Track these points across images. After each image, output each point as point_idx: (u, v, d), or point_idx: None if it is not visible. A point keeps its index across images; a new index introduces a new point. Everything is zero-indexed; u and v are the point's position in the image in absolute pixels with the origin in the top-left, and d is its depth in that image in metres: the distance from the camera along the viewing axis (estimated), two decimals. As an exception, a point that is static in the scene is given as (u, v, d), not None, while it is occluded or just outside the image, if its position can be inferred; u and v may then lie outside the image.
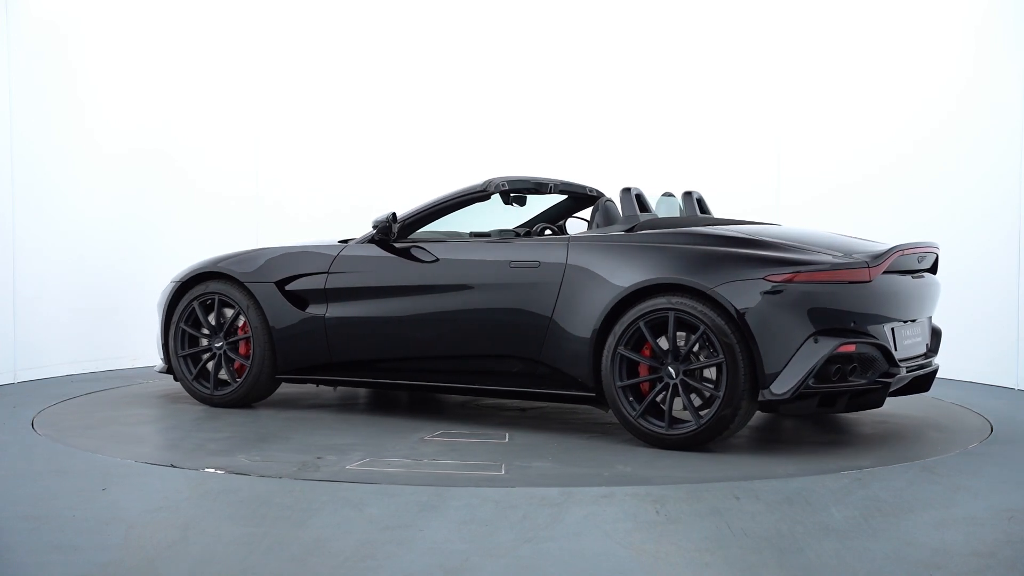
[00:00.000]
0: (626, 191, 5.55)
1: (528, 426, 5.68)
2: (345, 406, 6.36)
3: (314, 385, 6.63)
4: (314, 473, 4.57)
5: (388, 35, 9.15)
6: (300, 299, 6.07)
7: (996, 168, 7.08)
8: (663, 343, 5.03)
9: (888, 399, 5.69)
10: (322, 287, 6.00)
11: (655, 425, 5.03)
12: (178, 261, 7.92)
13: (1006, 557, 3.46)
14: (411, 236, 5.97)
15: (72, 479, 4.43)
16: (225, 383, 6.21)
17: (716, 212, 6.98)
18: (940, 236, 7.14)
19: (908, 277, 5.25)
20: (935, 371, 5.62)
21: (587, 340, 5.19)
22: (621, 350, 5.08)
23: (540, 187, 6.21)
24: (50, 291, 7.41)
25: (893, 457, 4.92)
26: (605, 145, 8.81)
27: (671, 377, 4.99)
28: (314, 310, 6.01)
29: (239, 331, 6.20)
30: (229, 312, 6.23)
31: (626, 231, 5.36)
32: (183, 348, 6.31)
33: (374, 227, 5.94)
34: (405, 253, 5.86)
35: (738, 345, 4.84)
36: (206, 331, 6.29)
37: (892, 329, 5.09)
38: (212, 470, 4.65)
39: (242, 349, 6.18)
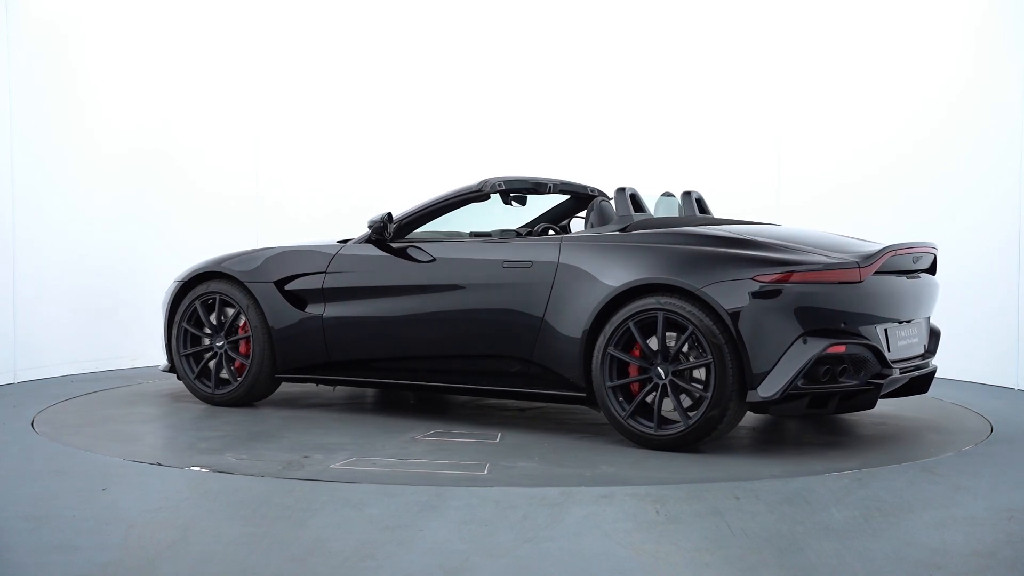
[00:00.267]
0: (620, 191, 5.54)
1: (522, 426, 5.68)
2: (345, 405, 6.36)
3: (314, 384, 6.66)
4: (297, 472, 4.58)
5: (388, 35, 9.16)
6: (299, 299, 6.09)
7: (996, 168, 7.08)
8: (653, 343, 5.02)
9: (887, 400, 5.70)
10: (320, 287, 6.03)
11: (644, 426, 5.01)
12: (178, 261, 7.94)
13: (1006, 557, 3.46)
14: (408, 236, 5.99)
15: (72, 479, 4.43)
16: (226, 382, 6.24)
17: (716, 212, 6.98)
18: (940, 236, 7.14)
19: (902, 278, 5.22)
20: (933, 372, 5.58)
21: (578, 340, 5.19)
22: (611, 350, 5.07)
23: (539, 187, 6.21)
24: (50, 291, 7.41)
25: (893, 457, 4.92)
26: (605, 145, 8.81)
27: (660, 378, 4.98)
28: (312, 310, 6.03)
29: (239, 330, 6.22)
30: (230, 312, 6.26)
31: (619, 231, 5.35)
32: (185, 347, 6.35)
33: (369, 227, 5.97)
34: (401, 253, 5.87)
35: (726, 346, 4.83)
36: (208, 330, 6.32)
37: (885, 330, 5.07)
38: (198, 468, 4.67)
39: (242, 348, 6.21)
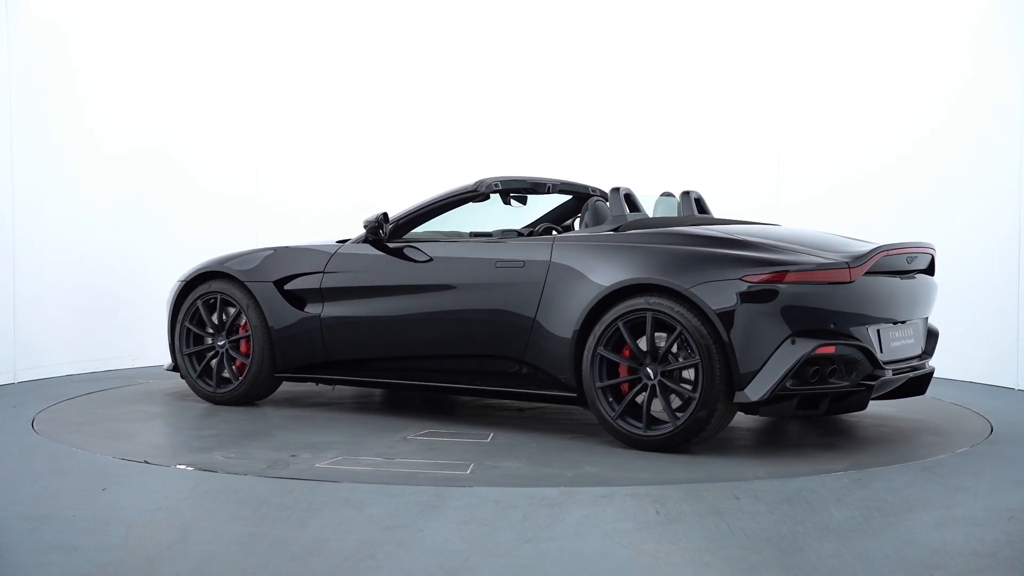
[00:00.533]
0: (615, 190, 5.53)
1: (517, 426, 5.68)
2: (344, 404, 6.36)
3: (314, 384, 6.68)
4: (282, 471, 4.59)
5: (388, 35, 9.16)
6: (298, 298, 6.12)
7: (996, 168, 7.08)
8: (643, 344, 5.01)
9: (887, 400, 5.70)
10: (318, 287, 6.06)
11: (633, 426, 5.00)
12: (178, 261, 7.94)
13: (1006, 557, 3.46)
14: (405, 236, 6.00)
15: (72, 479, 4.43)
16: (227, 381, 6.28)
17: (716, 212, 6.98)
18: (940, 236, 7.14)
19: (896, 278, 5.18)
20: (930, 374, 5.54)
21: (568, 340, 5.19)
22: (601, 351, 5.06)
23: (538, 187, 6.21)
24: (50, 291, 7.40)
25: (893, 457, 4.92)
26: (606, 145, 8.82)
27: (649, 378, 4.96)
28: (311, 309, 6.06)
29: (240, 330, 6.25)
30: (232, 311, 6.29)
31: (612, 231, 5.34)
32: (188, 346, 6.39)
33: (364, 227, 5.99)
34: (398, 253, 5.89)
35: (714, 346, 4.81)
36: (210, 330, 6.35)
37: (878, 331, 5.04)
38: (184, 466, 4.69)
39: (243, 348, 6.24)
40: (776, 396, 4.78)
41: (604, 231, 5.37)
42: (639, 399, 5.01)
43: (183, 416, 6.01)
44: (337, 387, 6.93)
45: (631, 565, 3.36)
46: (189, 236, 8.27)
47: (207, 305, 6.35)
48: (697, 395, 4.83)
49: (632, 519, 3.85)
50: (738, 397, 4.81)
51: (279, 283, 6.17)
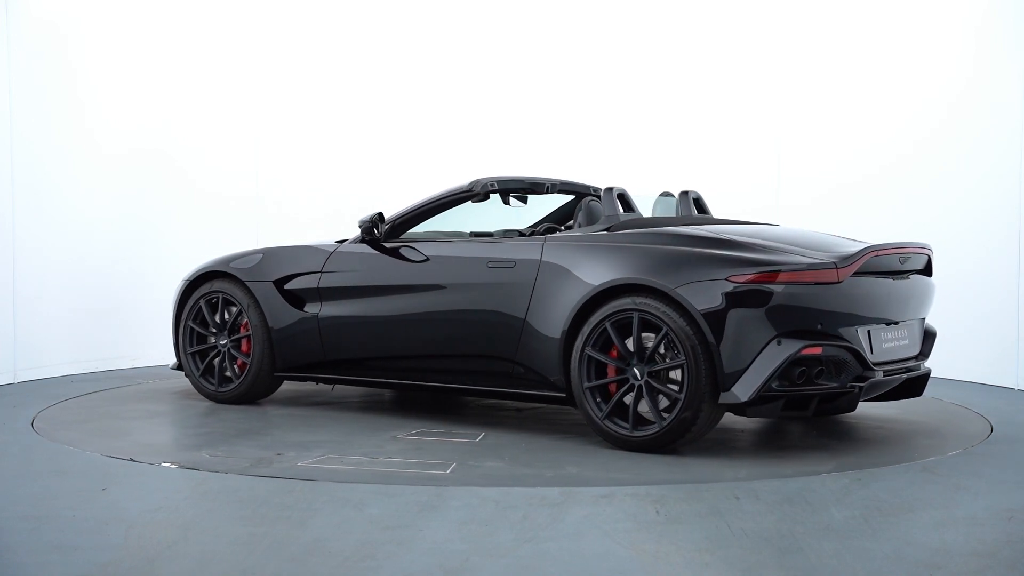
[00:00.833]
0: (608, 190, 5.51)
1: (509, 426, 5.68)
2: (344, 404, 6.36)
3: (315, 383, 6.71)
4: (264, 469, 4.61)
5: (388, 35, 9.16)
6: (297, 298, 6.15)
7: (996, 168, 7.08)
8: (631, 344, 4.99)
9: (884, 402, 5.69)
10: (316, 286, 6.08)
11: (620, 427, 4.98)
12: (178, 261, 7.94)
13: (1006, 557, 3.46)
14: (402, 236, 6.01)
15: (72, 479, 4.43)
16: (229, 380, 6.33)
17: (716, 212, 6.98)
18: (940, 236, 7.14)
19: (888, 279, 5.13)
20: (927, 375, 5.49)
21: (557, 340, 5.18)
22: (588, 351, 5.05)
23: (536, 187, 6.21)
24: (50, 291, 7.40)
25: (893, 457, 4.92)
26: (606, 145, 8.82)
27: (636, 379, 4.95)
28: (309, 309, 6.09)
29: (241, 329, 6.29)
30: (234, 310, 6.34)
31: (603, 231, 5.33)
32: (191, 345, 6.44)
33: (359, 227, 6.02)
34: (393, 253, 5.90)
35: (699, 347, 4.78)
36: (213, 329, 6.39)
37: (868, 331, 5.00)
38: (168, 464, 4.72)
39: (244, 347, 6.29)
40: (762, 397, 4.74)
41: (594, 231, 5.36)
42: (627, 399, 4.99)
43: (183, 416, 6.02)
44: (342, 387, 6.93)
45: (631, 565, 3.36)
46: (189, 236, 8.27)
47: (209, 304, 6.39)
48: (682, 396, 4.80)
49: (632, 519, 3.85)
50: (723, 398, 4.78)
51: (279, 283, 6.20)
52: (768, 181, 8.28)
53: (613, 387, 5.05)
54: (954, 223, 7.30)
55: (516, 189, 6.16)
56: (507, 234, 5.97)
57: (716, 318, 4.77)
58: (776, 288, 4.75)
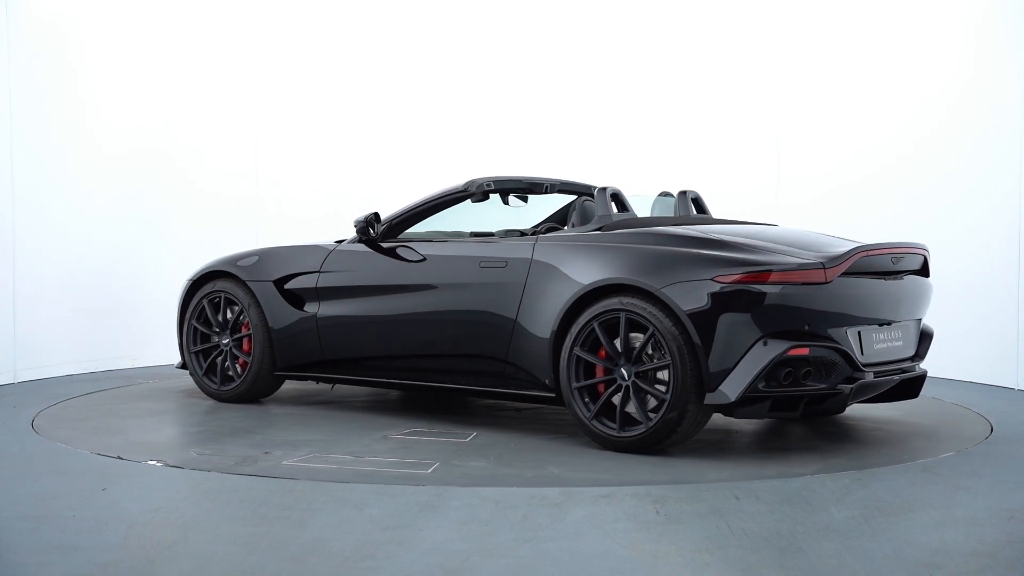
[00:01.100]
0: (602, 190, 5.47)
1: (503, 426, 5.68)
2: (346, 403, 6.36)
3: (315, 383, 6.74)
4: (248, 468, 4.63)
5: (388, 35, 9.16)
6: (297, 297, 6.17)
7: (996, 168, 7.08)
8: (619, 344, 4.97)
9: (882, 403, 5.67)
10: (314, 286, 6.11)
11: (607, 427, 4.97)
12: (178, 261, 7.95)
13: (1006, 557, 3.46)
14: (399, 236, 6.03)
15: (72, 479, 4.43)
16: (230, 379, 6.37)
17: (716, 212, 6.97)
18: (940, 236, 7.15)
19: (880, 279, 5.08)
20: (922, 376, 5.44)
21: (547, 340, 5.18)
22: (577, 351, 5.04)
23: (535, 187, 6.21)
24: (50, 291, 7.40)
25: (893, 457, 4.92)
26: (606, 145, 8.82)
27: (623, 379, 4.93)
28: (308, 308, 6.12)
29: (243, 328, 6.34)
30: (236, 310, 6.38)
31: (595, 231, 5.31)
32: (195, 344, 6.48)
33: (354, 227, 6.04)
34: (389, 253, 5.91)
35: (685, 347, 4.76)
36: (216, 328, 6.43)
37: (859, 332, 4.96)
38: (154, 462, 4.74)
39: (245, 346, 6.33)
40: (748, 398, 4.72)
41: (585, 231, 5.35)
42: (615, 400, 4.98)
43: (182, 415, 6.02)
44: (349, 386, 6.93)
45: (631, 565, 3.36)
46: (189, 236, 8.27)
47: (212, 304, 6.43)
48: (668, 396, 4.79)
49: (632, 519, 3.85)
50: (709, 398, 4.75)
51: (279, 282, 6.23)
52: (768, 181, 8.28)
53: (602, 387, 5.04)
54: (954, 223, 7.30)
55: (513, 189, 6.16)
56: (508, 234, 5.97)
57: (702, 318, 4.75)
58: (763, 288, 4.72)
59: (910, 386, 5.40)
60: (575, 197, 6.58)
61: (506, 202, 6.29)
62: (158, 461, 4.77)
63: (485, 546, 3.54)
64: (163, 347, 7.90)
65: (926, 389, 6.59)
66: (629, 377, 4.91)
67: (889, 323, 5.16)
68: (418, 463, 4.76)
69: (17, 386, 6.97)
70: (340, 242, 6.26)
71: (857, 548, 3.52)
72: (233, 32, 8.67)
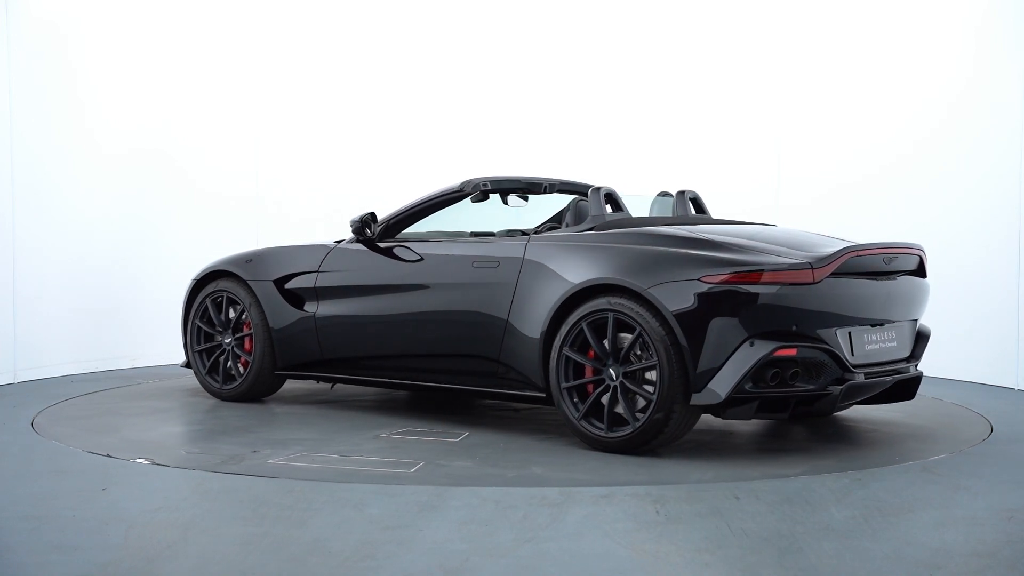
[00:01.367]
0: (596, 190, 5.45)
1: (497, 426, 5.68)
2: (346, 402, 6.36)
3: (315, 382, 6.78)
4: (234, 467, 4.65)
5: (388, 35, 9.16)
6: (297, 297, 6.20)
7: (996, 168, 7.08)
8: (608, 344, 4.96)
9: (879, 405, 5.65)
10: (313, 286, 6.13)
11: (596, 427, 4.96)
12: (178, 261, 7.95)
13: (1006, 557, 3.46)
14: (397, 236, 6.03)
15: (72, 479, 4.43)
16: (232, 378, 6.40)
17: (716, 212, 6.98)
18: (940, 236, 7.15)
19: (872, 279, 5.04)
20: (918, 377, 5.38)
21: (537, 340, 5.17)
22: (566, 351, 5.03)
23: (534, 187, 6.21)
24: (50, 291, 7.40)
25: (893, 457, 4.92)
26: (607, 145, 8.82)
27: (612, 379, 4.92)
28: (308, 308, 6.14)
29: (245, 328, 6.37)
30: (238, 309, 6.42)
31: (586, 231, 5.30)
32: (198, 343, 6.53)
33: (350, 227, 6.06)
34: (386, 253, 5.93)
35: (672, 348, 4.74)
36: (219, 328, 6.47)
37: (849, 333, 4.91)
38: (142, 460, 4.76)
39: (247, 345, 6.36)
40: (735, 399, 4.70)
41: (577, 231, 5.33)
42: (603, 400, 4.97)
43: (182, 414, 6.03)
44: (350, 386, 6.93)
45: (631, 565, 3.36)
46: (189, 236, 8.27)
47: (215, 303, 6.47)
48: (654, 397, 4.77)
49: (632, 519, 3.86)
50: (695, 399, 4.73)
51: (279, 282, 6.26)
52: (768, 181, 8.28)
53: (591, 388, 5.03)
54: (954, 223, 7.30)
55: (510, 189, 6.16)
56: (510, 234, 5.98)
57: (688, 319, 4.73)
58: (749, 289, 4.70)
59: (906, 387, 5.36)
60: (574, 197, 6.58)
61: (506, 202, 6.29)
62: (145, 459, 4.79)
63: (485, 546, 3.54)
64: (163, 347, 7.91)
65: (926, 389, 6.60)
66: (617, 377, 4.90)
67: (882, 323, 5.11)
68: (403, 462, 4.76)
69: (17, 386, 6.97)
70: (339, 242, 6.27)
71: (857, 548, 3.52)
72: (233, 32, 8.67)
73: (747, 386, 4.69)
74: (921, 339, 5.46)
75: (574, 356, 5.02)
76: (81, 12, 7.69)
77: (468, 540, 3.60)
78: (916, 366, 5.40)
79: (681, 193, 5.92)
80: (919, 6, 7.63)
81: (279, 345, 6.20)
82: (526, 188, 6.19)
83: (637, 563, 3.38)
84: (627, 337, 4.91)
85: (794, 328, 4.75)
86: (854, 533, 3.69)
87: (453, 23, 9.20)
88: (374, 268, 5.94)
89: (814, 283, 4.76)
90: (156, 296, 7.98)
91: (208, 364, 6.48)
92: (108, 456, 4.83)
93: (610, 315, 4.91)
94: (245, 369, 6.34)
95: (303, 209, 8.87)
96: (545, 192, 6.29)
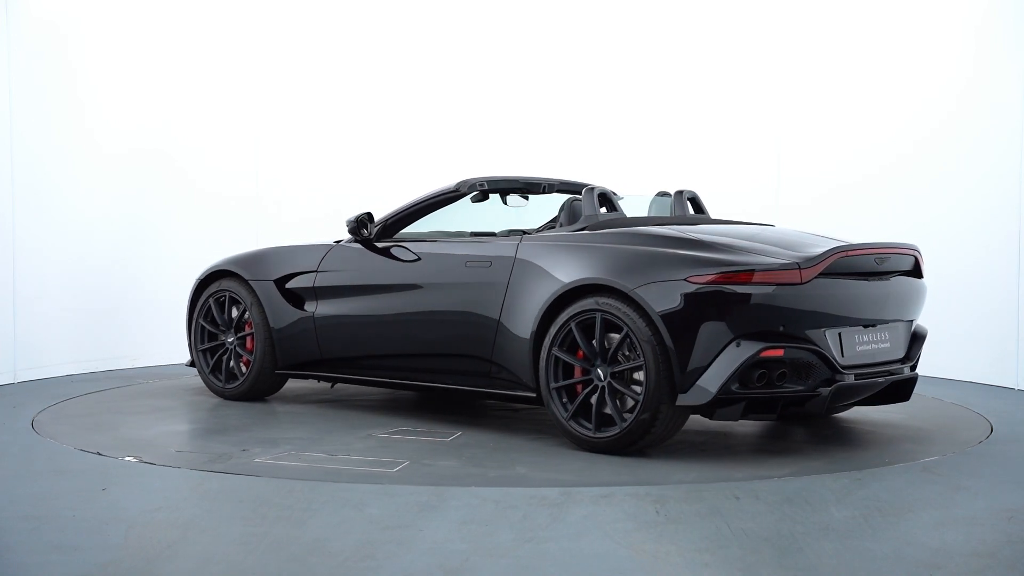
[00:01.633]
0: (589, 190, 5.42)
1: (491, 426, 5.67)
2: (346, 401, 6.36)
3: (316, 381, 6.81)
4: (220, 465, 4.67)
5: (388, 35, 9.16)
6: (297, 297, 6.22)
7: (996, 168, 7.08)
8: (596, 345, 4.95)
9: (873, 406, 5.63)
10: (312, 285, 6.16)
11: (584, 427, 4.95)
12: (178, 261, 7.95)
13: (1006, 557, 3.46)
14: (395, 236, 6.04)
15: (72, 479, 4.43)
16: (235, 377, 6.43)
17: (715, 212, 6.98)
18: (940, 236, 7.15)
19: (864, 280, 4.99)
20: (913, 379, 5.32)
21: (528, 340, 5.17)
22: (556, 351, 5.03)
23: (531, 186, 6.20)
24: (50, 291, 7.40)
25: (893, 457, 4.92)
26: (606, 146, 8.82)
27: (600, 380, 4.91)
28: (307, 308, 6.16)
29: (247, 327, 6.40)
30: (240, 308, 6.45)
31: (578, 231, 5.28)
32: (202, 343, 6.56)
33: (346, 227, 6.07)
34: (383, 252, 5.94)
35: (657, 348, 4.72)
36: (222, 327, 6.51)
37: (839, 334, 4.87)
38: (130, 459, 4.78)
39: (249, 345, 6.39)
40: (721, 400, 4.67)
41: (573, 230, 5.32)
42: (593, 400, 4.95)
43: (181, 413, 6.03)
44: (354, 385, 6.94)
45: (631, 565, 3.36)
46: (189, 236, 8.27)
47: (218, 303, 6.51)
48: (641, 397, 4.76)
49: (632, 519, 3.86)
50: (681, 399, 4.71)
51: (279, 282, 6.28)
52: (768, 181, 8.28)
53: (579, 388, 5.02)
54: (954, 223, 7.30)
55: (507, 189, 6.15)
56: (511, 234, 5.98)
57: (674, 319, 4.71)
58: (736, 289, 4.67)
59: (901, 389, 5.31)
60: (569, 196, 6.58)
61: (505, 202, 6.29)
62: (134, 457, 4.80)
63: (485, 546, 3.54)
64: (163, 347, 7.91)
65: (926, 389, 6.61)
66: (605, 378, 4.89)
67: (874, 324, 5.07)
68: (387, 462, 4.77)
69: (17, 386, 6.97)
70: (339, 242, 6.29)
71: (857, 548, 3.52)
72: (233, 32, 8.67)
73: (734, 387, 4.66)
74: (917, 340, 5.40)
75: (563, 356, 5.02)
76: (81, 12, 7.69)
77: (468, 540, 3.60)
78: (912, 367, 5.34)
79: (679, 193, 5.88)
80: (919, 6, 7.63)
81: (279, 344, 6.22)
82: (523, 188, 6.19)
83: (637, 563, 3.38)
84: (615, 337, 4.90)
85: (782, 329, 4.72)
86: (854, 533, 3.69)
87: (453, 23, 9.20)
88: (371, 268, 5.95)
89: (802, 283, 4.72)
90: (156, 296, 7.98)
91: (211, 363, 6.52)
92: (98, 454, 4.85)
93: (598, 315, 4.90)
94: (247, 368, 6.36)
95: (303, 209, 8.87)
96: (544, 192, 6.29)
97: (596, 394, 4.92)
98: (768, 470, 4.64)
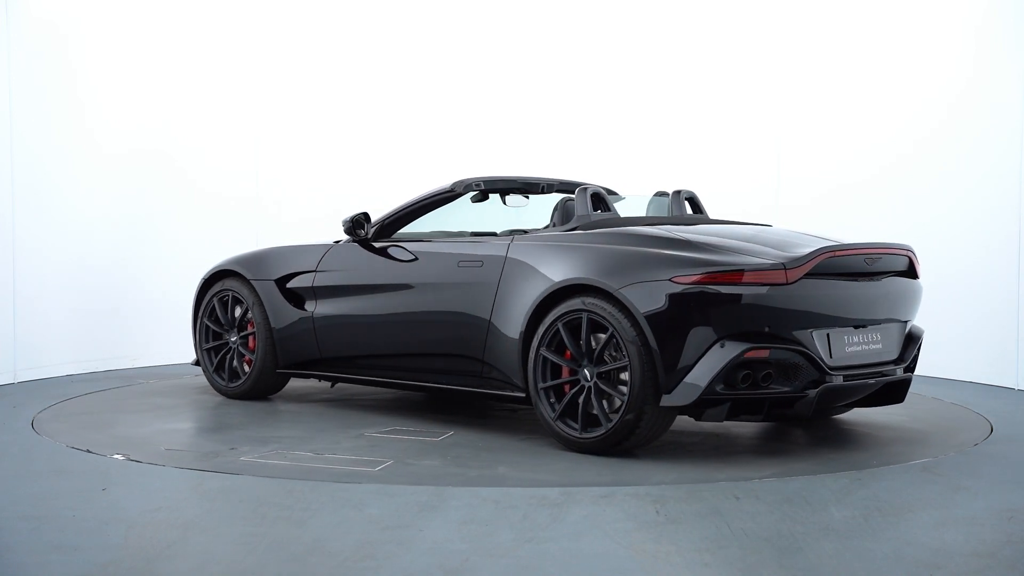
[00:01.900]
0: (582, 190, 5.40)
1: (485, 427, 5.67)
2: (348, 401, 6.36)
3: (317, 380, 6.85)
4: (206, 463, 4.68)
5: (388, 35, 9.16)
6: (297, 296, 6.25)
7: (996, 168, 7.08)
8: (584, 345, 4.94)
9: (869, 408, 5.62)
10: (311, 285, 6.18)
11: (571, 427, 4.94)
12: (178, 261, 7.95)
13: (1006, 557, 3.46)
14: (393, 236, 6.05)
15: (72, 479, 4.43)
16: (237, 376, 6.48)
17: (715, 212, 6.98)
18: (940, 236, 7.15)
19: (853, 280, 4.94)
20: (907, 380, 5.27)
21: (517, 340, 5.17)
22: (543, 351, 5.02)
23: (529, 186, 6.20)
24: (50, 291, 7.41)
25: (893, 457, 4.92)
26: (606, 146, 8.82)
27: (586, 380, 4.90)
28: (307, 307, 6.19)
29: (249, 326, 6.45)
30: (243, 308, 6.49)
31: (568, 231, 5.27)
32: (206, 342, 6.62)
33: (342, 227, 6.08)
34: (380, 252, 5.95)
35: (642, 348, 4.70)
36: (225, 326, 6.56)
37: (827, 334, 4.82)
38: (119, 456, 4.80)
39: (251, 344, 6.43)
40: (705, 401, 4.65)
41: (564, 230, 5.31)
42: (579, 400, 4.94)
43: (181, 413, 6.02)
44: (358, 385, 6.94)
45: (631, 565, 3.36)
46: (189, 236, 8.27)
47: (221, 302, 6.55)
48: (626, 398, 4.74)
49: (632, 519, 3.86)
50: (665, 400, 4.68)
51: (280, 281, 6.31)
52: (768, 181, 8.28)
53: (567, 388, 5.01)
54: (954, 223, 7.30)
55: (504, 188, 6.15)
56: (514, 234, 5.97)
57: (659, 320, 4.68)
58: (721, 289, 4.64)
59: (895, 390, 5.26)
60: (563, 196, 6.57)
61: (505, 202, 6.29)
62: (122, 455, 4.82)
63: (485, 546, 3.54)
64: (163, 347, 7.91)
65: (927, 389, 6.61)
66: (592, 378, 4.88)
67: (865, 325, 5.01)
68: (371, 461, 4.77)
69: (17, 386, 6.97)
70: (338, 242, 6.30)
71: (857, 548, 3.52)
72: (233, 32, 8.67)
73: (719, 388, 4.64)
74: (912, 341, 5.33)
75: (551, 356, 5.01)
76: (81, 12, 7.69)
77: (468, 540, 3.60)
78: (907, 368, 5.26)
79: (677, 193, 5.85)
80: (919, 6, 7.63)
81: (280, 344, 6.26)
82: (521, 188, 6.19)
83: (637, 563, 3.38)
84: (602, 338, 4.89)
85: (767, 329, 4.68)
86: (854, 533, 3.69)
87: (453, 24, 9.20)
88: (367, 268, 5.97)
89: (788, 284, 4.68)
90: (156, 296, 7.98)
91: (215, 362, 6.56)
92: (88, 452, 4.87)
93: (584, 315, 4.89)
94: (250, 367, 6.40)
95: (303, 209, 8.87)
96: (542, 192, 6.29)
97: (583, 394, 4.91)
98: (768, 470, 4.64)
